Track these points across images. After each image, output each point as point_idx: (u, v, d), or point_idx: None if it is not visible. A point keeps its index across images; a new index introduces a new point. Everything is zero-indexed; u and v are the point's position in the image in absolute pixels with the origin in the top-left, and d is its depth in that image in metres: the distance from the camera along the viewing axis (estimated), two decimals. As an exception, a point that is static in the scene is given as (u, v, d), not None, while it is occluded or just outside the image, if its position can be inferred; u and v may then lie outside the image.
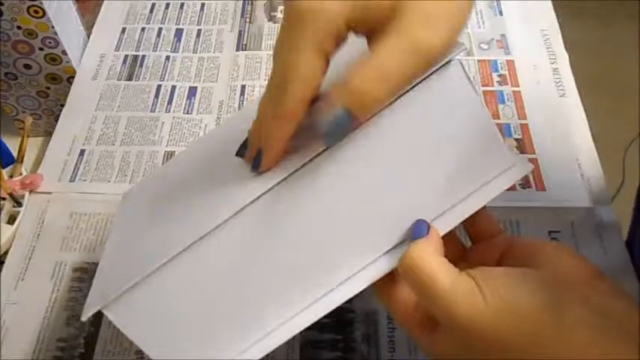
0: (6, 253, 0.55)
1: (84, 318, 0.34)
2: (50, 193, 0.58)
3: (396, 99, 0.32)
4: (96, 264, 0.47)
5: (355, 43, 0.32)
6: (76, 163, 0.61)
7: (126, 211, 0.44)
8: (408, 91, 0.32)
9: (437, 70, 0.32)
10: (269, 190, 0.33)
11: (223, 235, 0.32)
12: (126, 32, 0.72)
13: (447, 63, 0.33)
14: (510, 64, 0.67)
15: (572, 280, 0.30)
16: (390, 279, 0.33)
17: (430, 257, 0.30)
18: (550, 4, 0.72)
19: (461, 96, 0.33)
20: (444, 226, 0.32)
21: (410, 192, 0.32)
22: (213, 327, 0.33)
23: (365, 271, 0.32)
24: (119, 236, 0.41)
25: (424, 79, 0.32)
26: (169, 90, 0.66)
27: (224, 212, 0.33)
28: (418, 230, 0.32)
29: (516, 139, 0.60)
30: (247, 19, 0.73)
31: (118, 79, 0.67)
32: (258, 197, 0.33)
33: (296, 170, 0.33)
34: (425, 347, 0.33)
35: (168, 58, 0.69)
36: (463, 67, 0.33)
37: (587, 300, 0.29)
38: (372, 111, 0.31)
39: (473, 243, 0.36)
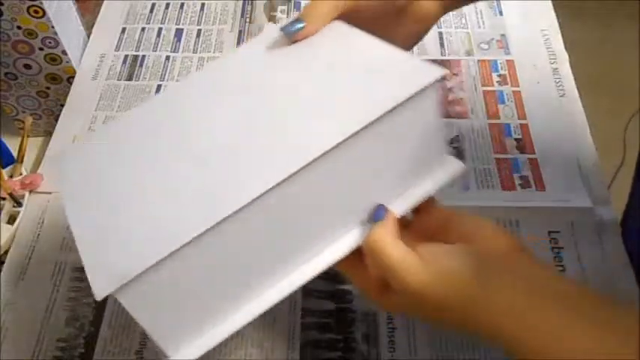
0: (6, 253, 0.55)
1: (99, 298, 0.32)
2: (50, 193, 0.58)
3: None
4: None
5: None
6: (76, 163, 0.61)
7: (75, 170, 0.43)
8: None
9: (414, 95, 0.37)
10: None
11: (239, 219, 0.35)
12: (126, 32, 0.72)
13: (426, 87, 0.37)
14: (510, 64, 0.67)
15: (499, 253, 0.36)
16: (353, 256, 0.39)
17: (387, 238, 0.37)
18: (550, 4, 0.73)
19: (427, 111, 0.39)
20: (399, 209, 0.39)
21: (374, 183, 0.39)
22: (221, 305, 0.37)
23: (338, 244, 0.39)
24: (82, 193, 0.40)
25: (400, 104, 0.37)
26: (169, 90, 0.66)
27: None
28: (378, 214, 0.39)
29: (516, 139, 0.60)
30: (247, 19, 0.73)
31: (118, 79, 0.67)
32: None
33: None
34: (382, 306, 0.41)
35: (168, 58, 0.69)
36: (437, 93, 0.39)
37: (512, 268, 0.35)
38: None
39: (415, 214, 0.43)
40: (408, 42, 0.49)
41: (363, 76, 0.40)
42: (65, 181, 0.42)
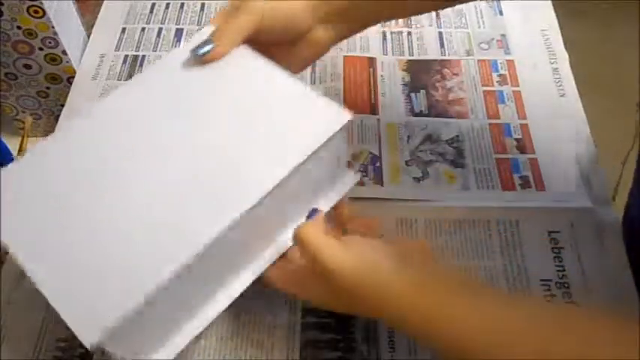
0: (6, 253, 0.55)
1: (92, 349, 0.37)
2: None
3: None
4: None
5: None
6: (76, 163, 0.61)
7: (16, 214, 0.43)
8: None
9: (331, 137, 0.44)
10: None
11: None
12: (126, 32, 0.72)
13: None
14: (510, 63, 0.67)
15: (412, 253, 0.43)
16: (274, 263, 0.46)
17: (314, 229, 0.43)
18: (550, 4, 0.73)
19: (339, 145, 0.47)
20: (324, 207, 0.48)
21: (291, 204, 0.47)
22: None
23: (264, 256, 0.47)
24: (32, 240, 0.41)
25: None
26: (169, 90, 0.66)
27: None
28: (311, 215, 0.46)
29: (516, 139, 0.60)
30: (247, 19, 0.73)
31: (118, 79, 0.67)
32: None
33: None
34: (301, 297, 0.47)
35: (168, 58, 0.69)
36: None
37: (422, 265, 0.42)
38: None
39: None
40: (301, 65, 0.53)
41: (282, 117, 0.46)
42: (9, 229, 0.42)
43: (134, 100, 0.49)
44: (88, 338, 0.36)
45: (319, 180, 0.48)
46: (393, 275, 0.40)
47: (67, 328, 0.44)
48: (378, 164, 0.59)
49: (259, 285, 0.46)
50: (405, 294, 0.39)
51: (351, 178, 0.51)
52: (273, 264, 0.47)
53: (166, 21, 0.73)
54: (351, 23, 0.52)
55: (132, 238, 0.40)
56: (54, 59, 0.63)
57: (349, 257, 0.41)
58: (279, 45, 0.51)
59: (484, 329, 0.37)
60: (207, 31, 0.50)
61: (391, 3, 0.51)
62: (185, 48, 0.50)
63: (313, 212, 0.47)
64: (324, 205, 0.49)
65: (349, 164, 0.58)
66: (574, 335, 0.35)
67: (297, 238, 0.44)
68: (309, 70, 0.67)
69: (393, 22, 0.71)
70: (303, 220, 0.47)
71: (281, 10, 0.48)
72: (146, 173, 0.44)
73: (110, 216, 0.42)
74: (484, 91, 0.65)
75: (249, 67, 0.48)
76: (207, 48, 0.48)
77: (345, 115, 0.45)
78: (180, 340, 0.44)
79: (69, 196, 0.43)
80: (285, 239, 0.47)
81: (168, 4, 0.75)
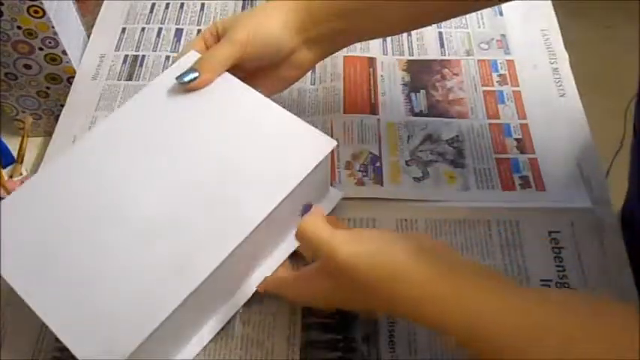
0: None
1: None
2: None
3: None
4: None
5: None
6: (76, 163, 0.61)
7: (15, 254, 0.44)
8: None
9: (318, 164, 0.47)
10: None
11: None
12: (126, 32, 0.72)
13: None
14: (510, 63, 0.67)
15: (428, 245, 0.40)
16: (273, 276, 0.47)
17: (316, 221, 0.42)
18: (550, 4, 0.73)
19: (323, 170, 0.50)
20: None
21: (281, 225, 0.49)
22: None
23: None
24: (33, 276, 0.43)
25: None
26: (169, 90, 0.66)
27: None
28: (305, 210, 0.46)
29: (516, 139, 0.60)
30: (247, 19, 0.73)
31: (118, 79, 0.67)
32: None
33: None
34: (305, 299, 0.46)
35: (168, 58, 0.69)
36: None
37: (439, 256, 0.39)
38: None
39: None
40: (283, 86, 0.55)
41: (269, 146, 0.48)
42: (10, 268, 0.43)
43: (122, 131, 0.50)
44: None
45: (307, 199, 0.50)
46: (410, 266, 0.38)
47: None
48: (378, 164, 0.59)
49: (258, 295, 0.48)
50: (422, 284, 0.38)
51: (336, 195, 0.54)
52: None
53: (166, 21, 0.73)
54: (335, 44, 0.53)
55: (133, 274, 0.42)
56: (54, 59, 0.63)
57: (363, 249, 0.40)
58: (263, 68, 0.52)
59: (504, 321, 0.35)
60: (191, 57, 0.51)
61: (373, 26, 0.51)
62: (169, 74, 0.51)
63: (307, 207, 0.46)
64: None
65: (349, 165, 0.58)
66: (599, 329, 0.33)
67: (301, 235, 0.43)
68: (309, 70, 0.67)
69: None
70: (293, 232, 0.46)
71: (264, 36, 0.49)
72: (139, 206, 0.45)
73: (108, 251, 0.43)
74: (484, 91, 0.65)
75: (233, 96, 0.50)
76: (192, 76, 0.49)
77: (331, 142, 0.48)
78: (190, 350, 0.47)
79: (66, 231, 0.45)
80: (275, 259, 0.49)
81: (168, 4, 0.75)
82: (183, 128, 0.49)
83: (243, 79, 0.51)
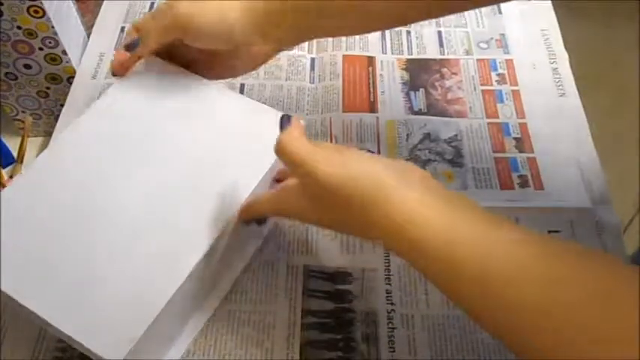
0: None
1: None
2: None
3: None
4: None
5: None
6: (76, 163, 0.61)
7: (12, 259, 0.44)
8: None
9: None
10: None
11: None
12: (125, 31, 0.72)
13: None
14: (509, 63, 0.67)
15: (412, 172, 0.39)
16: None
17: (294, 135, 0.40)
18: (550, 4, 0.72)
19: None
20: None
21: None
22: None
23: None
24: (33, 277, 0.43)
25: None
26: (169, 90, 0.66)
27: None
28: (283, 123, 0.42)
29: (515, 139, 0.60)
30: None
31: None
32: None
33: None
34: (284, 213, 0.46)
35: (167, 58, 0.69)
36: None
37: (421, 181, 0.38)
38: None
39: None
40: (231, 74, 0.55)
41: (237, 135, 0.49)
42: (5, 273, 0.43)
43: (91, 134, 0.50)
44: (115, 356, 0.40)
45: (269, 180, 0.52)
46: (396, 189, 0.37)
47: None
48: (377, 164, 0.59)
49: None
50: (409, 208, 0.36)
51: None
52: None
53: (166, 21, 0.73)
54: (295, 42, 0.53)
55: (127, 268, 0.43)
56: (54, 59, 0.63)
57: (345, 163, 0.38)
58: (213, 55, 0.51)
59: (491, 252, 0.34)
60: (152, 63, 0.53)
61: (338, 22, 0.49)
62: (124, 83, 0.53)
63: (286, 120, 0.42)
64: None
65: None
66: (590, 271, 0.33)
67: (281, 150, 0.40)
68: (308, 69, 0.67)
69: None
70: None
71: (210, 25, 0.48)
72: (120, 206, 0.46)
73: (96, 250, 0.44)
74: (483, 91, 0.65)
75: (197, 91, 0.52)
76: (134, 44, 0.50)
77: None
78: (183, 342, 0.48)
79: (51, 233, 0.45)
80: (257, 235, 0.53)
81: (167, 4, 0.75)
82: (153, 126, 0.50)
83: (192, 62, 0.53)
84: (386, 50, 0.69)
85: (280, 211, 0.45)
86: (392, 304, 0.50)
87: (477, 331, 0.49)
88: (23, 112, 0.66)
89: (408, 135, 0.61)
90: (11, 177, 0.59)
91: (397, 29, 0.70)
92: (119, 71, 0.52)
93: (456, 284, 0.36)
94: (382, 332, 0.49)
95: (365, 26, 0.52)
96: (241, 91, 0.65)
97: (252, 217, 0.46)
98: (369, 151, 0.59)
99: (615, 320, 0.30)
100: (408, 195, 0.37)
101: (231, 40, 0.49)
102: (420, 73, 0.66)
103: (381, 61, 0.67)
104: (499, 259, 0.34)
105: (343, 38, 0.68)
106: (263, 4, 0.48)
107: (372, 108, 0.63)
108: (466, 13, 0.72)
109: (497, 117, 0.62)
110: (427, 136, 0.61)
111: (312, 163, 0.38)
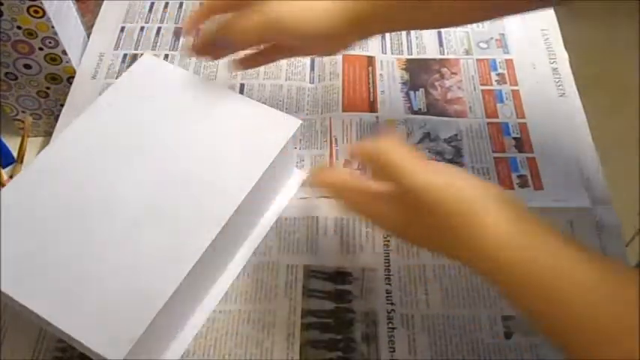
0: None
1: None
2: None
3: None
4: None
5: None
6: (76, 163, 0.61)
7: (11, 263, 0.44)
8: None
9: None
10: None
11: None
12: (125, 31, 0.72)
13: None
14: (509, 63, 0.67)
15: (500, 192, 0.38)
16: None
17: (398, 147, 0.40)
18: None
19: (290, 148, 0.56)
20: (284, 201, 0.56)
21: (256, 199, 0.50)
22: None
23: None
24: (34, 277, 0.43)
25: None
26: (169, 90, 0.66)
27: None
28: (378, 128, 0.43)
29: (515, 138, 0.60)
30: (247, 19, 0.73)
31: (116, 78, 0.67)
32: None
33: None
34: (375, 217, 0.42)
35: (167, 56, 0.69)
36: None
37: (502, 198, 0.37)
38: None
39: None
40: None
41: (239, 133, 0.50)
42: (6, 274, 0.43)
43: (96, 128, 0.51)
44: (115, 356, 0.40)
45: (277, 179, 0.54)
46: (487, 209, 0.36)
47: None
48: (377, 164, 0.59)
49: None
50: (500, 229, 0.36)
51: (300, 175, 0.57)
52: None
53: (165, 20, 0.73)
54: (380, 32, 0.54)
55: (127, 264, 0.43)
56: (54, 59, 0.63)
57: (436, 177, 0.38)
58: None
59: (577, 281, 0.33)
60: (147, 60, 0.56)
61: (432, 19, 0.49)
62: (127, 79, 0.53)
63: (382, 127, 0.46)
64: (283, 199, 0.55)
65: (347, 163, 0.58)
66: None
67: (376, 156, 0.40)
68: (308, 69, 0.67)
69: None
70: (269, 211, 0.50)
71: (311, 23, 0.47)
72: (123, 200, 0.46)
73: (99, 245, 0.44)
74: (483, 90, 0.65)
75: (198, 90, 0.53)
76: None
77: (296, 122, 0.51)
78: (183, 341, 0.48)
79: (53, 230, 0.45)
80: (256, 233, 0.53)
81: (167, 4, 0.75)
82: (152, 125, 0.51)
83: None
84: (386, 50, 0.69)
85: (363, 212, 0.43)
86: (392, 304, 0.50)
87: (477, 331, 0.49)
88: (23, 112, 0.66)
89: (407, 134, 0.61)
90: (11, 177, 0.59)
91: (397, 29, 0.70)
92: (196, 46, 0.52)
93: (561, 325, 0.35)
94: (382, 332, 0.49)
95: (438, 22, 0.52)
96: (241, 91, 0.65)
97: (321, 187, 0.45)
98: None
99: None
100: (500, 214, 0.37)
101: (326, 38, 0.48)
102: (420, 73, 0.66)
103: (381, 61, 0.67)
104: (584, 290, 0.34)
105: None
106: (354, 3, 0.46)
107: (372, 108, 0.63)
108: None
109: (497, 117, 0.62)
110: (427, 136, 0.61)
111: (410, 169, 0.38)
